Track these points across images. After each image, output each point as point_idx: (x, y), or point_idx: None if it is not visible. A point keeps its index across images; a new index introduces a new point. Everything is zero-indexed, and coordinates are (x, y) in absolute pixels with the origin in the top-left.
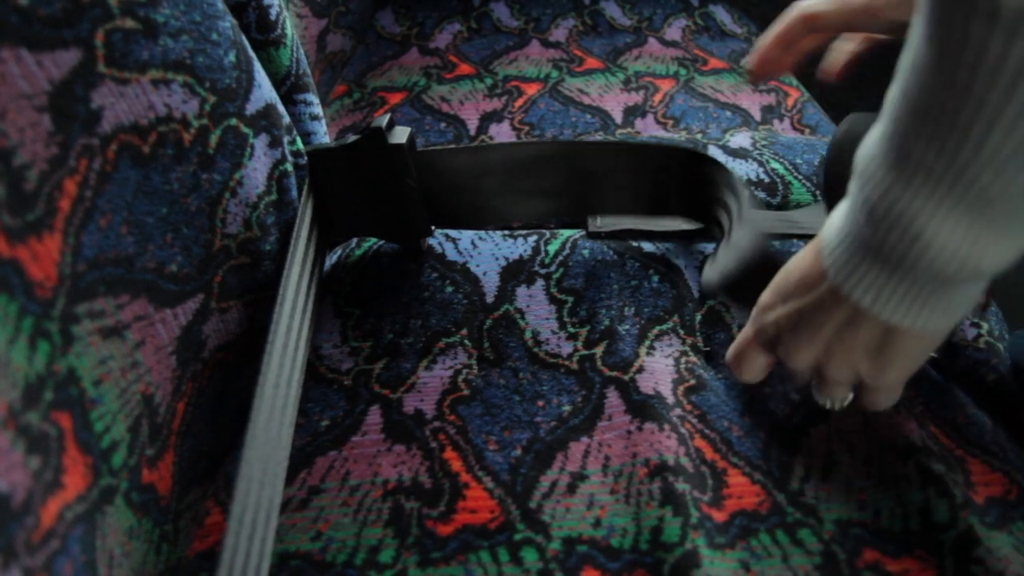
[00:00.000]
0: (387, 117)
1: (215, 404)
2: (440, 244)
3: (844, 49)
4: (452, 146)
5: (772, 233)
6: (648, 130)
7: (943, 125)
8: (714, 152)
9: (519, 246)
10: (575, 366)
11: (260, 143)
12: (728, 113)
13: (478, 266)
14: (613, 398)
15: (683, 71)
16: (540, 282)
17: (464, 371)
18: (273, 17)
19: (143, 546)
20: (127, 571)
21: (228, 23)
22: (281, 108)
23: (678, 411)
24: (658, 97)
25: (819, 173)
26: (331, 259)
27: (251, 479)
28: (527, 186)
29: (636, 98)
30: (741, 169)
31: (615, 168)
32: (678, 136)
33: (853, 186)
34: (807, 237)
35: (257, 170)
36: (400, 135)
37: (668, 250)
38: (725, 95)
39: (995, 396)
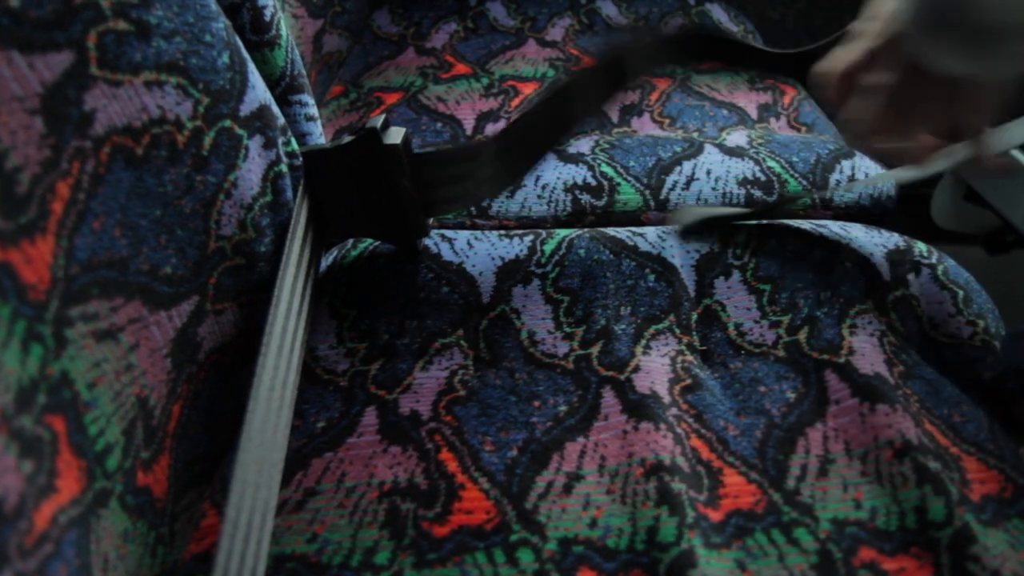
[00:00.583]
0: (382, 118)
1: (211, 406)
2: (436, 244)
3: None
4: (447, 147)
5: None
6: (644, 129)
7: None
8: (710, 149)
9: (515, 246)
10: (571, 366)
11: (254, 144)
12: (725, 111)
13: (474, 266)
14: (609, 398)
15: (680, 69)
16: (536, 282)
17: (460, 372)
18: (268, 18)
19: (138, 549)
20: (122, 574)
21: (222, 24)
22: (276, 109)
23: (674, 410)
24: (655, 96)
25: None
26: (327, 260)
27: (246, 481)
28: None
29: (632, 97)
30: (738, 168)
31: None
32: (674, 135)
33: None
34: None
35: (251, 171)
36: (395, 135)
37: (664, 249)
38: (721, 93)
39: (991, 393)
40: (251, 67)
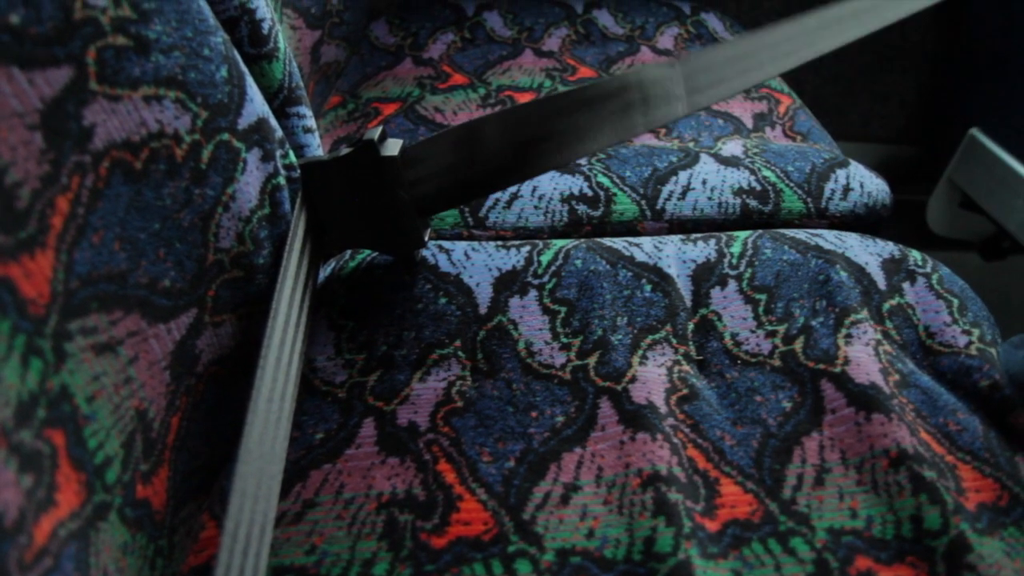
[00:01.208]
0: (379, 129)
1: (210, 418)
2: (433, 255)
3: None
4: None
5: None
6: (639, 139)
7: None
8: (705, 159)
9: (512, 256)
10: (568, 376)
11: (252, 157)
12: (720, 121)
13: (471, 277)
14: (606, 408)
15: None
16: (533, 293)
17: (458, 383)
18: (266, 31)
19: (138, 562)
20: None
21: (220, 38)
22: (273, 122)
23: (671, 420)
24: None
25: None
26: (325, 271)
27: (245, 493)
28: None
29: None
30: (734, 177)
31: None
32: (670, 144)
33: None
34: None
35: (250, 184)
36: (392, 147)
37: (660, 259)
38: (717, 103)
39: (987, 402)
40: (249, 80)
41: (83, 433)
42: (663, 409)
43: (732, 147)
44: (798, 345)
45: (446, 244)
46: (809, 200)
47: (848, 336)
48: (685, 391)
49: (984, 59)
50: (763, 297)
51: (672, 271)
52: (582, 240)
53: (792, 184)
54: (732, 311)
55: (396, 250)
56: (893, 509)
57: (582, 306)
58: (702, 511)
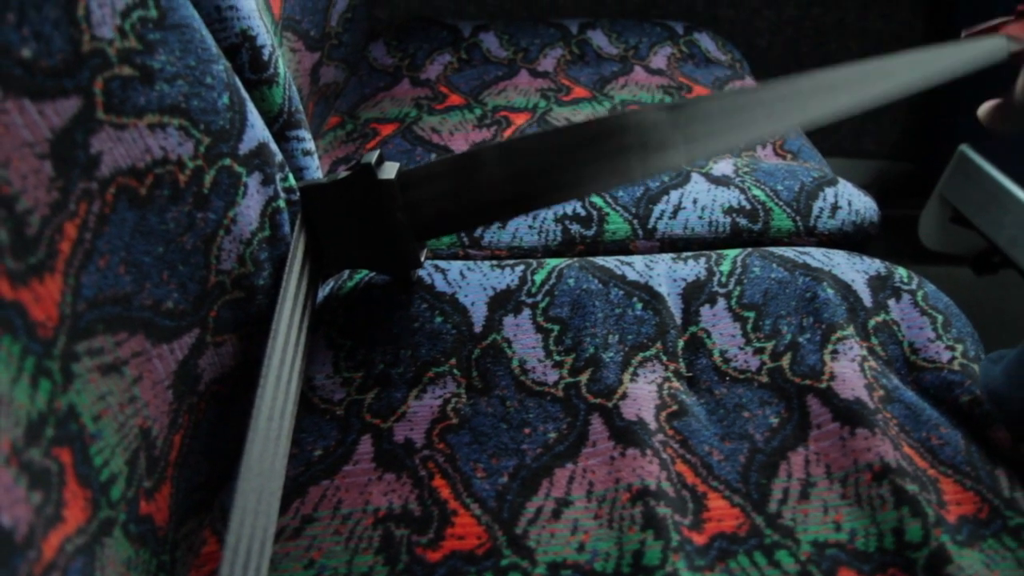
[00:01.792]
0: (376, 153)
1: (211, 435)
2: (430, 275)
3: None
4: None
5: None
6: None
7: None
8: (696, 179)
9: (506, 276)
10: (561, 394)
11: (253, 181)
12: None
13: (466, 296)
14: (597, 424)
15: (668, 99)
16: (527, 311)
17: (453, 400)
18: (266, 57)
19: None
20: None
21: (222, 66)
22: (274, 146)
23: (660, 436)
24: None
25: None
26: (324, 291)
27: (245, 510)
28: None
29: None
30: (724, 197)
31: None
32: None
33: None
34: None
35: (250, 207)
36: (389, 170)
37: (651, 277)
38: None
39: (968, 417)
40: (250, 106)
41: (89, 451)
42: (653, 425)
43: (723, 166)
44: (785, 361)
45: (442, 264)
46: (798, 218)
47: (834, 352)
48: (675, 407)
49: (972, 76)
50: (751, 315)
51: (663, 289)
52: (575, 259)
53: (781, 203)
54: (721, 328)
55: (393, 270)
56: (876, 522)
57: (575, 324)
58: (690, 525)
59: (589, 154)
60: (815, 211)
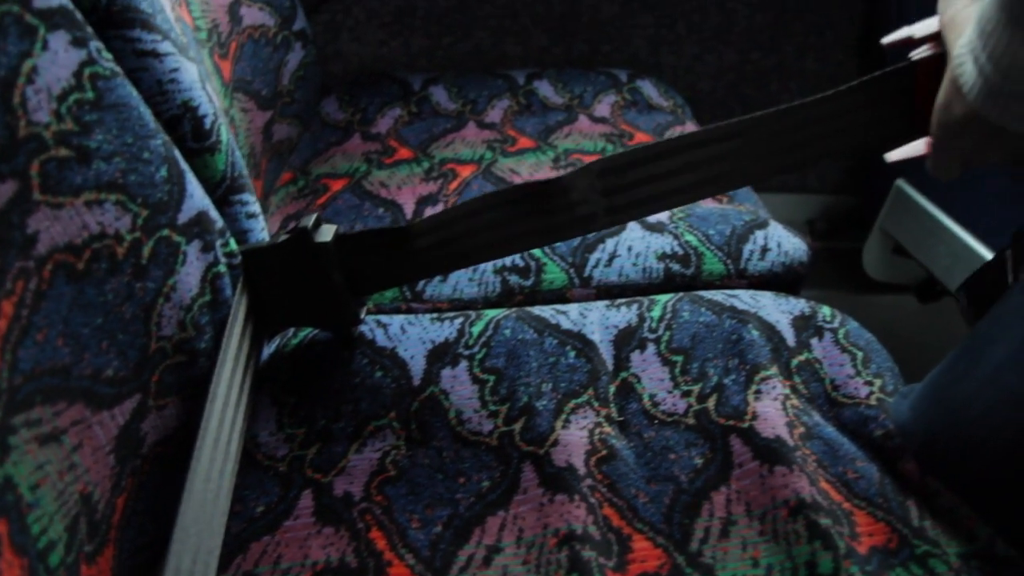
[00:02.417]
0: (313, 217)
1: (156, 496)
2: (371, 330)
3: None
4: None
5: None
6: None
7: None
8: (632, 226)
9: (445, 329)
10: (495, 443)
11: (192, 249)
12: None
13: (406, 350)
14: (528, 472)
15: (609, 147)
16: (464, 363)
17: (392, 452)
18: (208, 126)
19: None
20: None
21: (160, 140)
22: (214, 213)
23: (588, 481)
24: None
25: None
26: (269, 349)
27: (180, 571)
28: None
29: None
30: (657, 243)
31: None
32: None
33: (976, 41)
34: None
35: (190, 274)
36: (326, 233)
37: (585, 326)
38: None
39: (881, 450)
40: (189, 177)
41: (27, 520)
42: (582, 471)
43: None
44: (711, 403)
45: (384, 319)
46: (729, 262)
47: (757, 392)
48: (604, 452)
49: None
50: (680, 359)
51: (595, 337)
52: (512, 310)
53: (713, 247)
54: (651, 373)
55: (334, 328)
56: (791, 556)
57: (509, 374)
58: (614, 567)
59: (515, 212)
60: (745, 254)
